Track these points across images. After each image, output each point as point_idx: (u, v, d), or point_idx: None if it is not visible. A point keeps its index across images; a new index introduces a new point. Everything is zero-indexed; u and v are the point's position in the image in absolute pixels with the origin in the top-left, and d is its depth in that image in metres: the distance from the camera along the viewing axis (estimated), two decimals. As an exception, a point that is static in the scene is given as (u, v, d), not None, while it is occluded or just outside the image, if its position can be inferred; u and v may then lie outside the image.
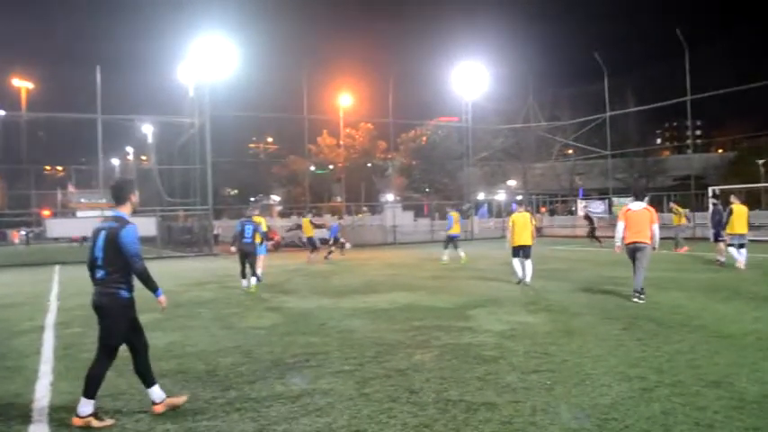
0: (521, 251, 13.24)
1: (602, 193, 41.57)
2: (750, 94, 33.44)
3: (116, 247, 4.88)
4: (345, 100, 44.80)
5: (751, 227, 28.70)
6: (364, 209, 50.09)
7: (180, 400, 5.22)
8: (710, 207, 18.74)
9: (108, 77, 30.40)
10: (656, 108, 39.86)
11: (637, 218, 10.51)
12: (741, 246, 15.51)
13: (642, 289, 10.29)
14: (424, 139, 57.65)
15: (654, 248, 10.59)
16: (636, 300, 10.16)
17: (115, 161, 64.51)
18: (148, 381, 5.15)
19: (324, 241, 23.57)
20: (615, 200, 37.44)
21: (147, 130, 42.51)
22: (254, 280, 13.85)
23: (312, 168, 55.39)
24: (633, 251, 10.49)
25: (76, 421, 4.76)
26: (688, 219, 25.87)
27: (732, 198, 16.39)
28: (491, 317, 9.01)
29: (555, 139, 46.91)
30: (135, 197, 5.32)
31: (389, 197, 50.36)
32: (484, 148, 47.49)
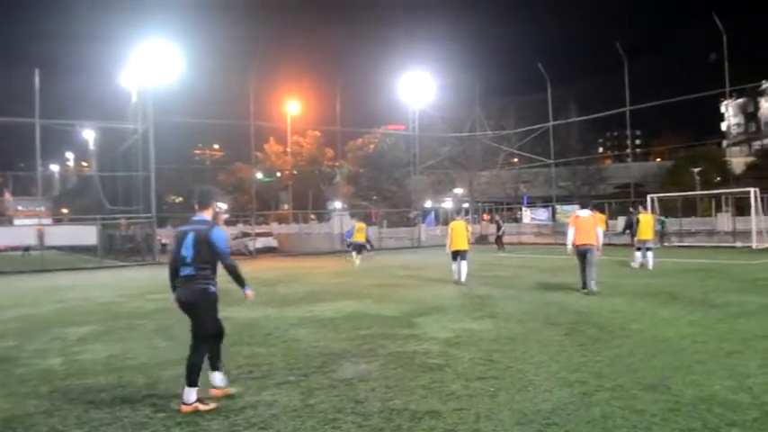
0: (458, 255, 14.69)
1: (547, 201, 42.41)
2: (686, 106, 34.71)
3: (206, 246, 5.37)
4: (293, 107, 44.62)
5: (688, 233, 29.81)
6: (312, 216, 49.83)
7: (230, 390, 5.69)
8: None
9: (47, 81, 29.49)
10: (598, 118, 41.07)
11: (585, 223, 12.33)
12: (648, 249, 17.58)
13: (594, 282, 12.04)
14: (372, 146, 57.79)
15: (598, 249, 12.36)
16: (587, 293, 11.88)
17: (54, 167, 62.64)
18: (215, 365, 5.70)
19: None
20: (558, 207, 38.24)
21: (89, 135, 41.44)
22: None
23: (259, 176, 54.84)
24: (583, 252, 12.20)
25: (185, 408, 5.20)
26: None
27: (640, 208, 19.44)
28: (436, 324, 9.06)
29: (500, 147, 47.66)
30: (216, 204, 5.96)
31: (337, 205, 50.27)
32: (431, 156, 47.90)
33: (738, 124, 76.79)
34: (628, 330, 8.12)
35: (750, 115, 78.76)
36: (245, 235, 34.33)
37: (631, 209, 21.90)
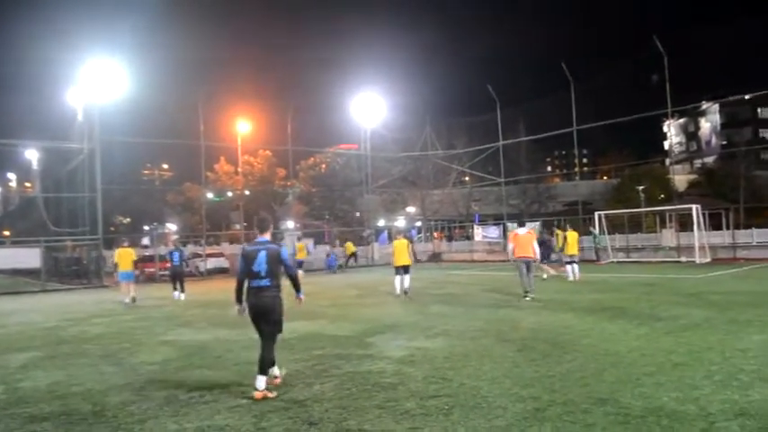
0: (401, 269, 16.44)
1: (498, 219, 42.95)
2: (630, 125, 35.75)
3: (277, 262, 6.59)
4: (244, 127, 44.23)
5: (635, 249, 30.57)
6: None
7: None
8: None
9: (-13, 100, 28.60)
10: (546, 137, 41.90)
11: (523, 239, 14.79)
12: (574, 262, 19.65)
13: (531, 289, 14.32)
14: (324, 166, 57.77)
15: (535, 261, 14.95)
16: (527, 298, 14.04)
17: (-5, 188, 60.67)
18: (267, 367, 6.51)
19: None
20: (509, 225, 38.78)
21: (32, 155, 40.23)
22: (183, 295, 18.46)
23: (209, 196, 54.11)
24: (524, 263, 14.49)
25: (258, 395, 6.15)
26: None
27: (567, 227, 22.23)
28: (391, 343, 9.04)
29: (451, 166, 48.21)
30: (272, 227, 7.11)
31: (289, 224, 49.92)
32: (383, 175, 48.12)
33: (680, 143, 79.52)
34: (578, 345, 8.24)
35: (691, 134, 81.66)
36: (196, 255, 33.73)
37: (554, 229, 23.68)
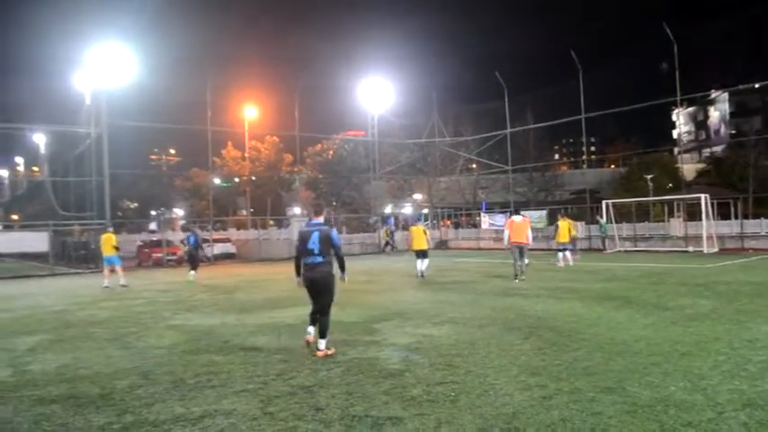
0: (419, 254, 17.87)
1: (504, 207, 42.87)
2: (639, 114, 35.57)
3: (328, 241, 7.48)
4: (251, 112, 44.20)
5: (642, 238, 30.50)
6: (270, 222, 49.43)
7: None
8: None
9: (-5, 83, 28.65)
10: (554, 125, 41.66)
11: (518, 226, 16.21)
12: (565, 250, 21.01)
13: (523, 272, 15.91)
14: (331, 152, 57.67)
15: (528, 245, 16.32)
16: (517, 281, 15.53)
17: (4, 173, 60.88)
18: (314, 321, 7.67)
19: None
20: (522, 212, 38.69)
21: (40, 139, 40.34)
22: (192, 274, 19.84)
23: (217, 181, 54.15)
24: (518, 248, 16.01)
25: (320, 354, 7.32)
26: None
27: (558, 216, 23.79)
28: (397, 330, 9.05)
29: (459, 153, 48.07)
30: (326, 211, 8.18)
31: (296, 210, 49.96)
32: (390, 162, 48.04)
33: (689, 132, 79.01)
34: (585, 334, 8.23)
35: (700, 123, 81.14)
36: (203, 241, 33.81)
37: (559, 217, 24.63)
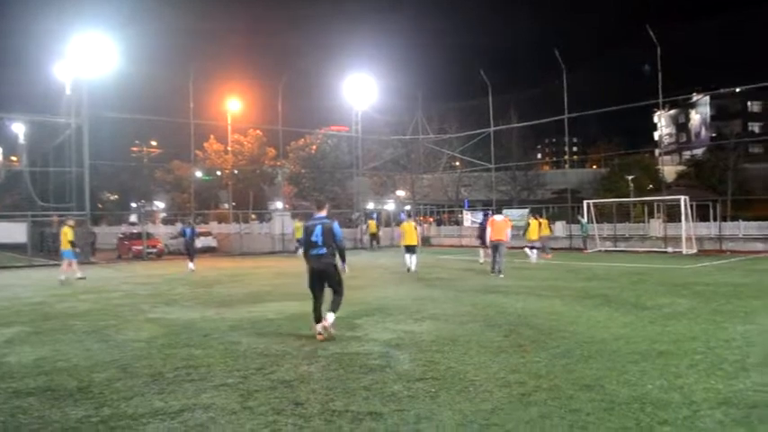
0: (409, 249, 18.81)
1: (487, 205, 43.04)
2: (621, 115, 35.85)
3: (330, 234, 8.00)
4: (234, 105, 43.94)
5: (622, 238, 30.77)
6: (252, 216, 49.21)
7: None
8: (482, 218, 26.36)
9: (-26, 72, 28.22)
10: (537, 125, 41.88)
11: (498, 225, 17.20)
12: (533, 248, 22.43)
13: (501, 269, 16.60)
14: (314, 147, 57.46)
15: (506, 243, 17.17)
16: (496, 275, 16.43)
17: (-20, 162, 59.95)
18: (332, 308, 8.18)
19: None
20: (504, 211, 38.87)
21: (18, 129, 39.77)
22: (192, 265, 21.05)
23: (198, 174, 53.78)
24: (496, 245, 16.87)
25: (326, 323, 8.04)
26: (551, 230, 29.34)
27: (528, 215, 27.16)
28: (378, 326, 9.06)
29: (442, 151, 48.11)
30: (327, 206, 8.60)
31: (278, 205, 49.77)
32: (373, 158, 48.00)
33: (670, 134, 79.84)
34: (565, 332, 8.29)
35: (681, 126, 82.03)
36: (182, 235, 33.59)
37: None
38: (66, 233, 18.41)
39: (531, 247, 22.35)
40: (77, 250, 18.35)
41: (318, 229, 8.01)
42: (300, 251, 26.72)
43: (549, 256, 24.28)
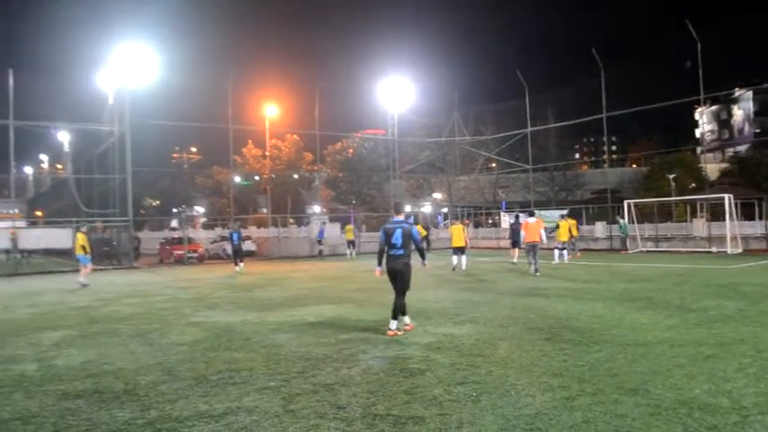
0: (457, 250, 19.92)
1: (524, 206, 42.64)
2: (661, 113, 35.19)
3: (409, 237, 8.66)
4: (271, 111, 44.39)
5: (664, 238, 30.20)
6: (290, 220, 49.62)
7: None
8: (513, 220, 25.93)
9: (22, 81, 29.03)
10: (575, 124, 41.36)
11: (533, 227, 18.34)
12: (563, 249, 23.12)
13: (538, 268, 17.69)
14: (351, 151, 57.69)
15: (541, 244, 18.46)
16: (533, 275, 17.29)
17: (28, 169, 61.69)
18: (404, 311, 8.88)
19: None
20: (537, 212, 38.50)
21: (63, 137, 40.83)
22: (242, 265, 23.23)
23: (237, 179, 54.43)
24: (532, 247, 18.11)
25: (390, 333, 8.46)
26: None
27: (559, 216, 27.08)
28: (418, 329, 9.03)
29: (479, 153, 47.90)
30: (404, 210, 9.49)
31: (316, 209, 50.10)
32: (410, 160, 48.00)
33: (712, 131, 78.04)
34: (607, 335, 8.17)
35: (723, 122, 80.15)
36: (224, 239, 34.04)
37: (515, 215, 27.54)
38: (79, 239, 19.06)
39: (562, 248, 23.06)
40: (88, 255, 18.77)
41: (399, 232, 8.64)
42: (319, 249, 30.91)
43: (578, 255, 25.68)
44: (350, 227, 33.40)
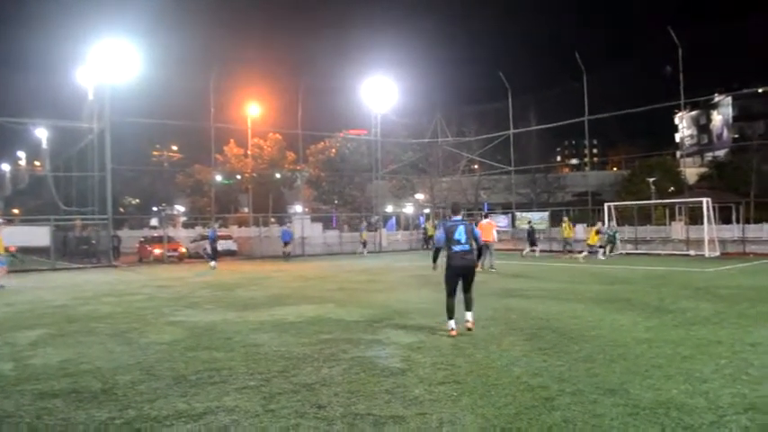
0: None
1: (506, 208, 42.88)
2: (642, 117, 35.49)
3: (472, 234, 8.76)
4: (254, 109, 44.20)
5: (642, 241, 30.51)
6: (272, 220, 49.43)
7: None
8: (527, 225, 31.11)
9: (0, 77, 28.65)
10: (557, 127, 41.59)
11: (485, 228, 19.33)
12: (600, 248, 25.54)
13: (492, 265, 19.61)
14: (334, 150, 57.60)
15: (495, 242, 20.73)
16: (492, 270, 19.17)
17: (5, 167, 60.93)
18: (468, 307, 8.85)
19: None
20: (518, 214, 38.75)
21: (42, 134, 40.37)
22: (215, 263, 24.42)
23: (219, 178, 54.13)
24: (486, 245, 18.18)
25: (470, 324, 8.68)
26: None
27: (564, 217, 30.07)
28: (398, 329, 9.05)
29: (461, 154, 48.03)
30: (463, 209, 9.66)
31: (298, 208, 49.97)
32: (392, 161, 48.03)
33: (692, 136, 78.93)
34: (587, 336, 8.23)
35: (703, 127, 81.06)
36: (204, 238, 33.81)
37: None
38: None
39: (599, 248, 25.57)
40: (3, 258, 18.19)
41: (462, 229, 8.68)
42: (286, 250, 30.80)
43: (573, 256, 26.61)
44: (364, 233, 37.13)
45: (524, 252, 28.31)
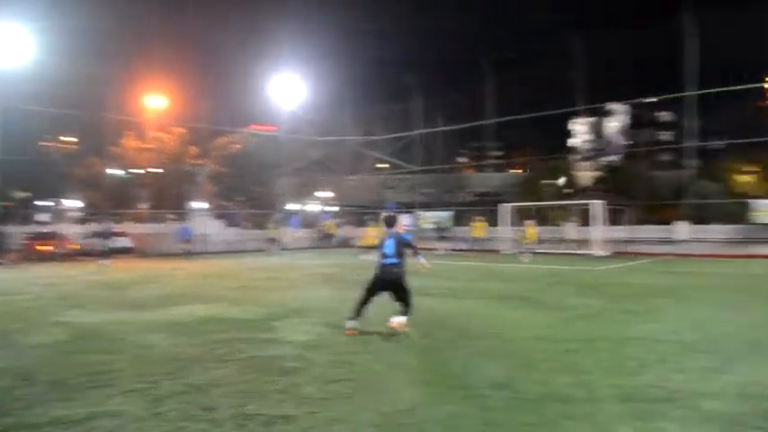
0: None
1: (410, 207, 43.41)
2: (544, 121, 36.93)
3: (403, 245, 8.46)
4: (155, 102, 42.70)
5: (540, 241, 31.64)
6: (171, 216, 47.85)
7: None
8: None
9: None
10: (462, 129, 42.54)
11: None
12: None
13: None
14: (237, 146, 56.36)
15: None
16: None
17: None
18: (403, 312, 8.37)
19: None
20: (420, 213, 39.35)
21: None
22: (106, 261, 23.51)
23: (113, 172, 51.84)
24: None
25: (350, 333, 8.23)
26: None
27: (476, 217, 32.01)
28: (295, 327, 8.95)
29: (368, 152, 48.24)
30: (400, 224, 9.17)
31: (197, 205, 48.60)
32: (298, 158, 47.63)
33: (588, 141, 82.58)
34: (481, 333, 8.44)
35: (598, 133, 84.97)
36: (96, 234, 32.23)
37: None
38: None
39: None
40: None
41: (391, 241, 8.46)
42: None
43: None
44: (329, 222, 39.50)
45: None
